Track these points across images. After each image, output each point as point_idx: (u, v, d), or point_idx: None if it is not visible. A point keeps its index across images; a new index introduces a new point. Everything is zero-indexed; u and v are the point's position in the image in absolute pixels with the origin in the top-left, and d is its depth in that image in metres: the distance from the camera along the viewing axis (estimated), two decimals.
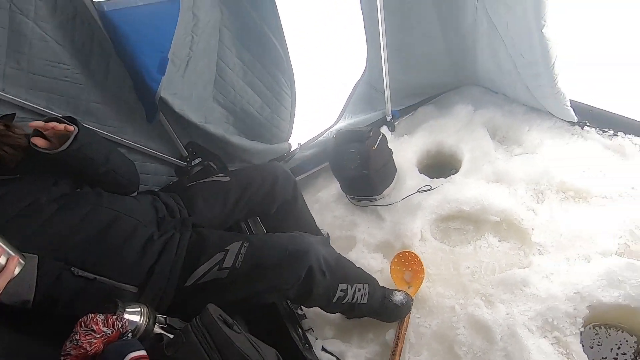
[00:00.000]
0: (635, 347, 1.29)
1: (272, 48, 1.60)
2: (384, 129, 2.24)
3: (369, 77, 2.12)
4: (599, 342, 1.34)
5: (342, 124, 2.17)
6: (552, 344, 1.31)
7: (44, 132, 1.02)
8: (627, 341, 1.32)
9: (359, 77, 2.13)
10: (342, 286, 1.24)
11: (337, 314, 1.46)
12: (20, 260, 0.74)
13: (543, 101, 1.91)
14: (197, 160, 1.75)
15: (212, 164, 1.78)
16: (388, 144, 1.95)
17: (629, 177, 1.67)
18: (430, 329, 1.46)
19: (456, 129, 2.14)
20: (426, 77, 2.24)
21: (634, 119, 1.80)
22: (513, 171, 1.83)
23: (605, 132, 1.84)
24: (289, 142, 1.95)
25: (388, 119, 2.24)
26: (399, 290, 1.49)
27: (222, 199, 1.33)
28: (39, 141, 1.02)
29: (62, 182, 1.07)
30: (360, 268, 1.42)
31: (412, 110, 2.35)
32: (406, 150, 2.12)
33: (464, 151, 2.02)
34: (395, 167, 1.98)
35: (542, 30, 1.56)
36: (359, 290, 1.31)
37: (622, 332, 1.34)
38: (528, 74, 1.82)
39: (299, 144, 2.03)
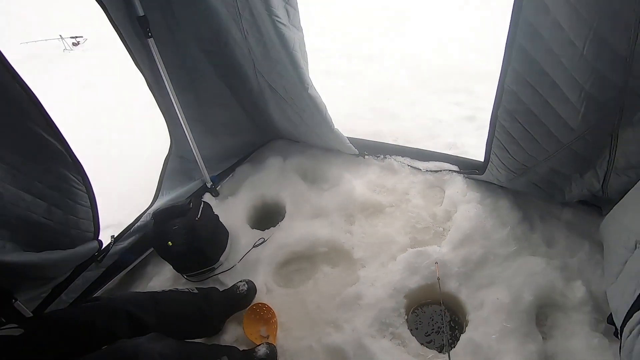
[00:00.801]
0: (444, 313, 1.65)
1: (46, 144, 1.41)
2: (207, 196, 2.25)
3: (177, 150, 2.12)
4: (420, 322, 1.66)
5: (161, 202, 2.06)
6: (390, 340, 1.53)
7: None
8: (436, 312, 1.67)
9: (167, 152, 2.10)
10: None
11: None
12: None
13: (330, 143, 2.33)
14: None
15: None
16: (213, 210, 1.96)
17: (401, 186, 2.19)
18: None
19: (273, 180, 2.35)
20: (234, 140, 2.40)
21: (393, 144, 2.42)
22: (326, 204, 2.12)
23: (379, 157, 2.38)
24: (98, 239, 1.71)
25: (208, 185, 2.26)
26: (259, 345, 1.48)
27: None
28: None
29: None
30: (214, 343, 1.35)
31: (230, 172, 2.45)
32: (234, 210, 2.17)
33: (285, 198, 2.23)
34: (226, 230, 2.00)
35: (308, 91, 1.95)
36: None
37: (431, 305, 1.69)
38: (313, 124, 2.20)
39: (113, 237, 1.81)
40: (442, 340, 1.55)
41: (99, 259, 1.73)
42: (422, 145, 2.55)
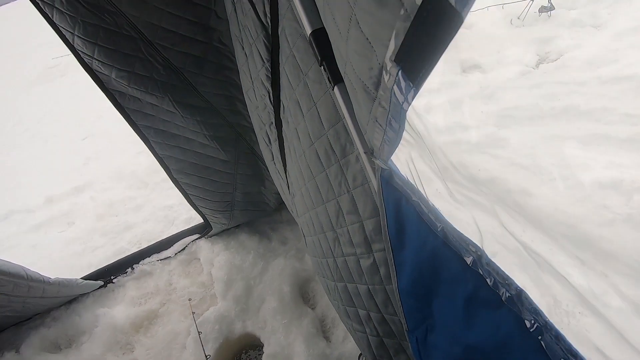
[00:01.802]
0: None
1: None
2: None
3: None
4: None
5: None
6: None
7: None
8: (245, 356, 1.77)
9: None
10: None
11: None
12: None
13: (62, 295, 2.06)
14: None
15: None
16: None
17: (162, 281, 2.19)
18: None
19: None
20: None
21: (136, 250, 2.38)
22: (92, 356, 1.85)
23: (127, 272, 2.29)
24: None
25: None
26: None
27: None
28: None
29: None
30: None
31: None
32: None
33: None
34: None
35: None
36: None
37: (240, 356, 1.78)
38: (23, 293, 1.88)
39: None
40: None
41: None
42: (166, 234, 2.64)
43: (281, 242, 2.18)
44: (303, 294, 1.89)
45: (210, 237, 2.30)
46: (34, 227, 3.23)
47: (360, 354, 1.24)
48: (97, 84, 1.40)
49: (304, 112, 0.89)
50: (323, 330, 1.71)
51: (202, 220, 2.45)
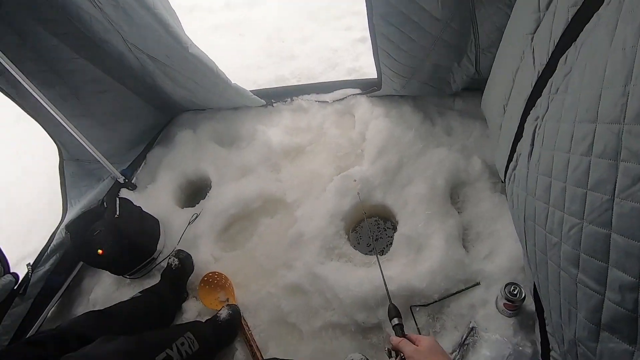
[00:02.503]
0: (365, 220, 1.80)
1: None
2: (125, 192, 2.10)
3: (69, 154, 1.92)
4: (360, 237, 1.81)
5: (72, 213, 1.90)
6: (337, 261, 1.66)
7: None
8: (372, 224, 1.83)
9: (58, 158, 1.89)
10: (159, 357, 1.14)
11: None
12: None
13: (234, 100, 2.26)
14: None
15: None
16: (134, 202, 1.86)
17: (315, 122, 2.23)
18: (265, 322, 1.58)
19: (189, 155, 2.25)
20: (132, 126, 2.22)
21: (297, 84, 2.41)
22: (249, 161, 2.11)
23: (287, 101, 2.37)
24: (11, 272, 1.55)
25: (121, 180, 2.11)
26: (220, 309, 1.53)
27: None
28: None
29: None
30: (174, 324, 1.35)
31: (141, 160, 2.30)
32: (157, 197, 2.08)
33: (206, 168, 2.17)
34: (154, 218, 1.92)
35: (189, 51, 1.82)
36: (183, 343, 1.24)
37: (360, 227, 1.84)
38: (209, 85, 2.10)
39: (29, 265, 1.65)
40: (383, 245, 1.73)
41: (20, 292, 1.58)
42: (325, 77, 2.58)
43: (446, 131, 1.94)
44: (453, 195, 1.74)
45: (372, 97, 2.16)
46: (212, 27, 3.47)
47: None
48: None
49: None
50: (464, 239, 1.61)
51: (365, 78, 2.29)
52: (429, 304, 1.45)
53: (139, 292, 1.57)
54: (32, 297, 1.65)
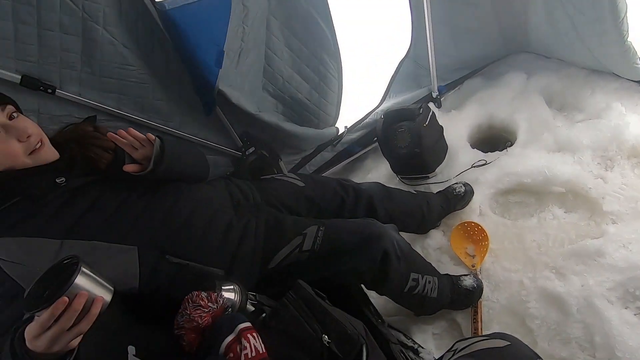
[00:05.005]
0: None
1: (319, 31, 1.60)
2: (431, 106, 2.18)
3: (414, 54, 2.08)
4: None
5: (387, 104, 2.15)
6: (635, 315, 1.25)
7: (125, 141, 1.02)
8: None
9: (404, 54, 2.08)
10: (413, 275, 1.23)
11: None
12: (105, 298, 0.66)
13: (607, 61, 1.78)
14: (251, 150, 1.80)
15: (264, 152, 1.83)
16: (437, 121, 1.91)
17: None
18: (499, 304, 1.44)
19: (508, 100, 2.04)
20: (473, 48, 2.15)
21: None
22: (577, 138, 1.72)
23: None
24: (336, 126, 1.96)
25: (434, 95, 2.18)
26: (465, 275, 1.47)
27: (294, 200, 1.33)
28: (130, 168, 1.02)
29: (145, 180, 1.09)
30: (429, 263, 1.40)
31: (458, 84, 2.28)
32: (455, 125, 2.06)
33: (519, 122, 1.93)
34: (446, 143, 1.94)
35: None
36: (429, 282, 1.28)
37: None
38: (590, 33, 1.69)
39: (346, 127, 2.03)
40: None
41: (334, 143, 2.01)
42: None
43: None
44: None
45: None
46: None
47: None
48: None
49: None
50: None
51: None
52: None
53: (414, 190, 1.69)
54: (336, 152, 2.09)
